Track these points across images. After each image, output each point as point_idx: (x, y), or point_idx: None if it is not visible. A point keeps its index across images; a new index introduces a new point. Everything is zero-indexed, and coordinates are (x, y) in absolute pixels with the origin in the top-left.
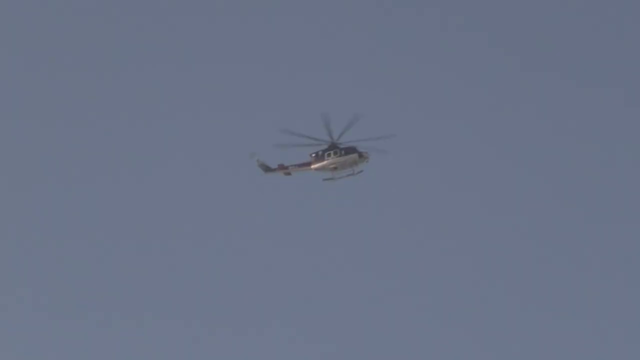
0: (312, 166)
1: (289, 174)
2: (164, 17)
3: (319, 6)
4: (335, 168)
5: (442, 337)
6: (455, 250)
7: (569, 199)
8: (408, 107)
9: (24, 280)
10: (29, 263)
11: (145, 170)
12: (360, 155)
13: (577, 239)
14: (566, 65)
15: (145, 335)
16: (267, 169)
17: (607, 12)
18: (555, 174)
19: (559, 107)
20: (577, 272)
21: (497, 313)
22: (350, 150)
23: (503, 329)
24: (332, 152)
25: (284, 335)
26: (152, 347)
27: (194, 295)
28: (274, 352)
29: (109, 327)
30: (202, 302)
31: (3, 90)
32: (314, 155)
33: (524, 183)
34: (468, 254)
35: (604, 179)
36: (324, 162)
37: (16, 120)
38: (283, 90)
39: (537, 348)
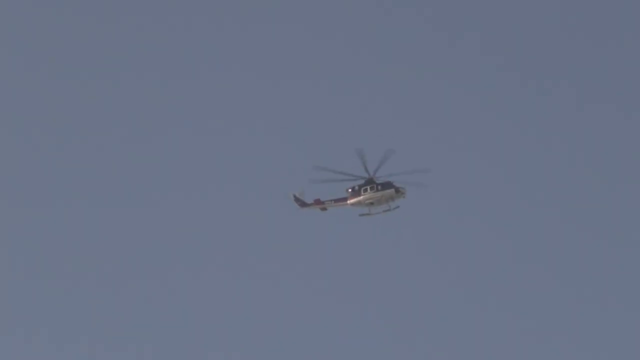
0: (349, 201)
1: (325, 209)
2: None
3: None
4: (371, 203)
5: None
6: (484, 291)
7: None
8: (441, 140)
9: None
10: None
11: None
12: (397, 190)
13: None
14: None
15: None
16: (303, 204)
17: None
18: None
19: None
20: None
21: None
22: (387, 185)
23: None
24: (368, 187)
25: None
26: None
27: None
28: None
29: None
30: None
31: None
32: (350, 190)
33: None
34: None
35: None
36: (360, 198)
37: (16, 120)
38: (316, 120)
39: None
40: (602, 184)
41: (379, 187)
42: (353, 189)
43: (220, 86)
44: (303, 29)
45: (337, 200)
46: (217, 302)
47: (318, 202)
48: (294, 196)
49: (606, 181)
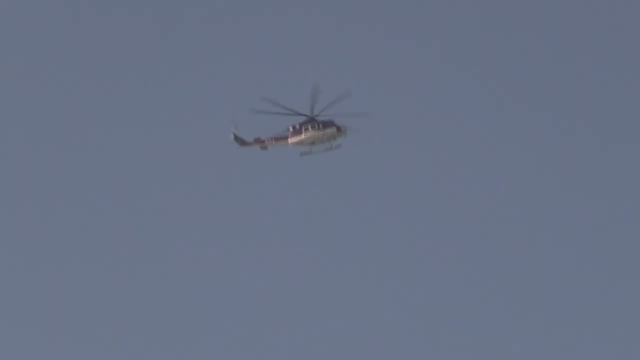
0: (289, 140)
1: (265, 148)
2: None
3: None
4: (313, 142)
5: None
6: (414, 232)
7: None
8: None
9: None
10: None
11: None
12: (339, 129)
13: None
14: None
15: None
16: (242, 142)
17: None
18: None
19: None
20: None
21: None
22: (328, 124)
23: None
24: (310, 125)
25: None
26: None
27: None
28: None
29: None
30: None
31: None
32: (291, 129)
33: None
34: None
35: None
36: (302, 137)
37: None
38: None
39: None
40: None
41: (321, 126)
42: (294, 127)
43: None
44: None
45: (277, 139)
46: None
47: (258, 140)
48: (234, 134)
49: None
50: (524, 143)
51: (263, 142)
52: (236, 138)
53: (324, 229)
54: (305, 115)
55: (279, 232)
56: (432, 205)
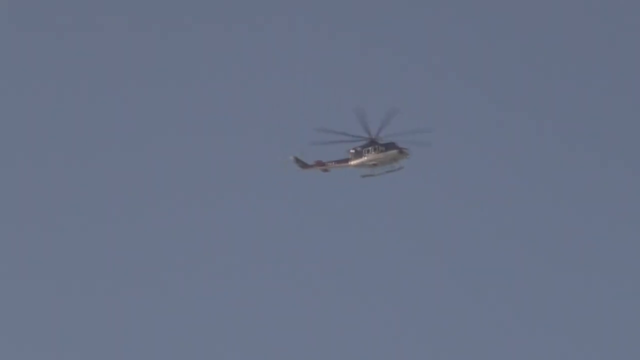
0: (351, 162)
1: (326, 170)
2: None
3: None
4: (374, 164)
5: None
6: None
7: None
8: (445, 100)
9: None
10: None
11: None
12: (401, 151)
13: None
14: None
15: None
16: (304, 165)
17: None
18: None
19: None
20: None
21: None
22: (390, 146)
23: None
24: (371, 148)
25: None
26: None
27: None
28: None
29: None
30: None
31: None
32: (352, 151)
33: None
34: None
35: None
36: (363, 159)
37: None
38: (311, 90)
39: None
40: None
41: (382, 148)
42: (355, 150)
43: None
44: None
45: (339, 162)
46: (224, 270)
47: (320, 163)
48: (295, 158)
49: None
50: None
51: (324, 164)
52: (297, 161)
53: (383, 247)
54: (367, 138)
55: (341, 251)
56: (495, 229)
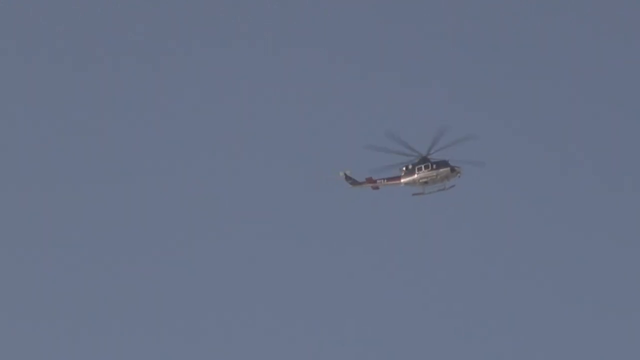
0: (402, 180)
1: (377, 188)
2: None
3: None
4: (426, 182)
5: None
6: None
7: None
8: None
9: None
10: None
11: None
12: (453, 169)
13: None
14: None
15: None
16: (354, 182)
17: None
18: None
19: None
20: None
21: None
22: (442, 164)
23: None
24: (423, 165)
25: None
26: None
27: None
28: None
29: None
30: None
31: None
32: (404, 169)
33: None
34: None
35: None
36: (415, 176)
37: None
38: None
39: None
40: None
41: (434, 166)
42: (407, 167)
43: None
44: None
45: (389, 179)
46: (272, 279)
47: (370, 180)
48: (345, 175)
49: None
50: None
51: (375, 181)
52: (347, 178)
53: (434, 268)
54: (419, 154)
55: (388, 271)
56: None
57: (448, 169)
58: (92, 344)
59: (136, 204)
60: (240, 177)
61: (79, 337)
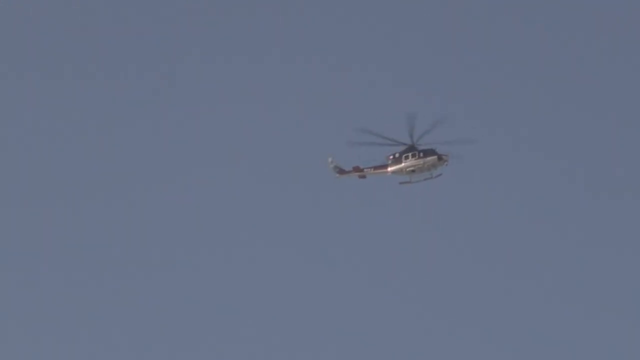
0: (389, 169)
1: (364, 176)
2: None
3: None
4: (413, 171)
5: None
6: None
7: None
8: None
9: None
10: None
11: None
12: (440, 157)
13: None
14: None
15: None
16: (340, 171)
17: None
18: None
19: None
20: None
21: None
22: (429, 152)
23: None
24: (410, 154)
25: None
26: None
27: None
28: None
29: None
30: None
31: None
32: (391, 157)
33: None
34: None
35: None
36: (402, 165)
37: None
38: (359, 91)
39: None
40: None
41: (421, 154)
42: (394, 155)
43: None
44: None
45: (376, 167)
46: (259, 269)
47: (357, 169)
48: (332, 162)
49: None
50: None
51: (362, 170)
52: (333, 166)
53: (420, 257)
54: (406, 143)
55: (374, 259)
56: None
57: (435, 157)
58: (92, 345)
59: (136, 206)
60: (239, 178)
61: (79, 339)
